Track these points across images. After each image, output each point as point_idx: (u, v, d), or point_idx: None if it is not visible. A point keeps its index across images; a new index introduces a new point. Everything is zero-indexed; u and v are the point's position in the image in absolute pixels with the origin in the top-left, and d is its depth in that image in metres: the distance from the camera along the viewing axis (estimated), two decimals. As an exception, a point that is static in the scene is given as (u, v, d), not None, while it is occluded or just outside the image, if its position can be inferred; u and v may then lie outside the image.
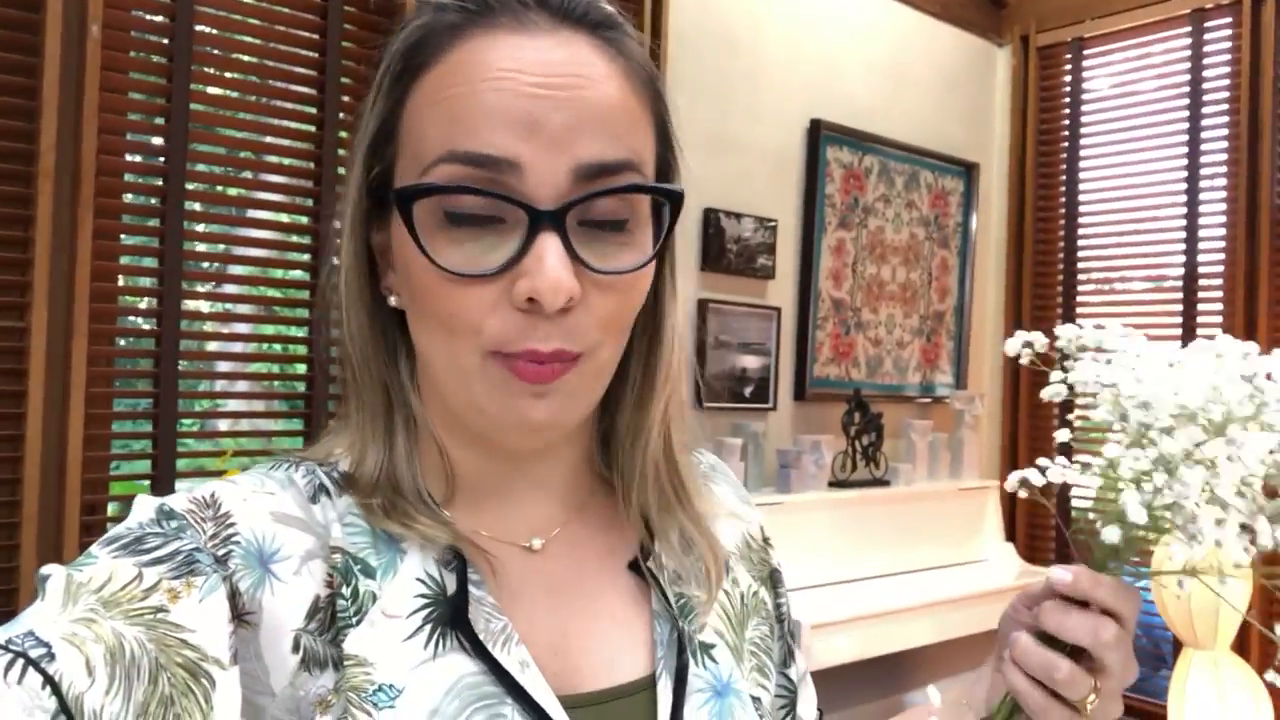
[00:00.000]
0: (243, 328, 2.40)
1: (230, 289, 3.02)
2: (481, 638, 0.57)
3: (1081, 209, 3.67)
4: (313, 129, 2.32)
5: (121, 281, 2.11)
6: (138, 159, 2.21)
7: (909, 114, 3.55)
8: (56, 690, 0.41)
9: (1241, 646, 2.94)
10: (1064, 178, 3.71)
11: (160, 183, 2.12)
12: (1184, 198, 3.38)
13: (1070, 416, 0.64)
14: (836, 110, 3.29)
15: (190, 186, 2.16)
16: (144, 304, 2.20)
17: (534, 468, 0.64)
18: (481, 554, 0.60)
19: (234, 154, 2.32)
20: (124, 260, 2.11)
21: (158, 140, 2.16)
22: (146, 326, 2.24)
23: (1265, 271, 3.15)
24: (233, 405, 4.13)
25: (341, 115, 2.31)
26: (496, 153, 0.53)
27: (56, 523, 1.93)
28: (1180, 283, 3.39)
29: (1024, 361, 0.65)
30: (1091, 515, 0.60)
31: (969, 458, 3.51)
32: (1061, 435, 0.64)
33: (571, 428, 0.60)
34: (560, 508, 0.65)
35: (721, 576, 0.67)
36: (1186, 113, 3.39)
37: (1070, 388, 0.62)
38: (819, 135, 3.22)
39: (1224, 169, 3.29)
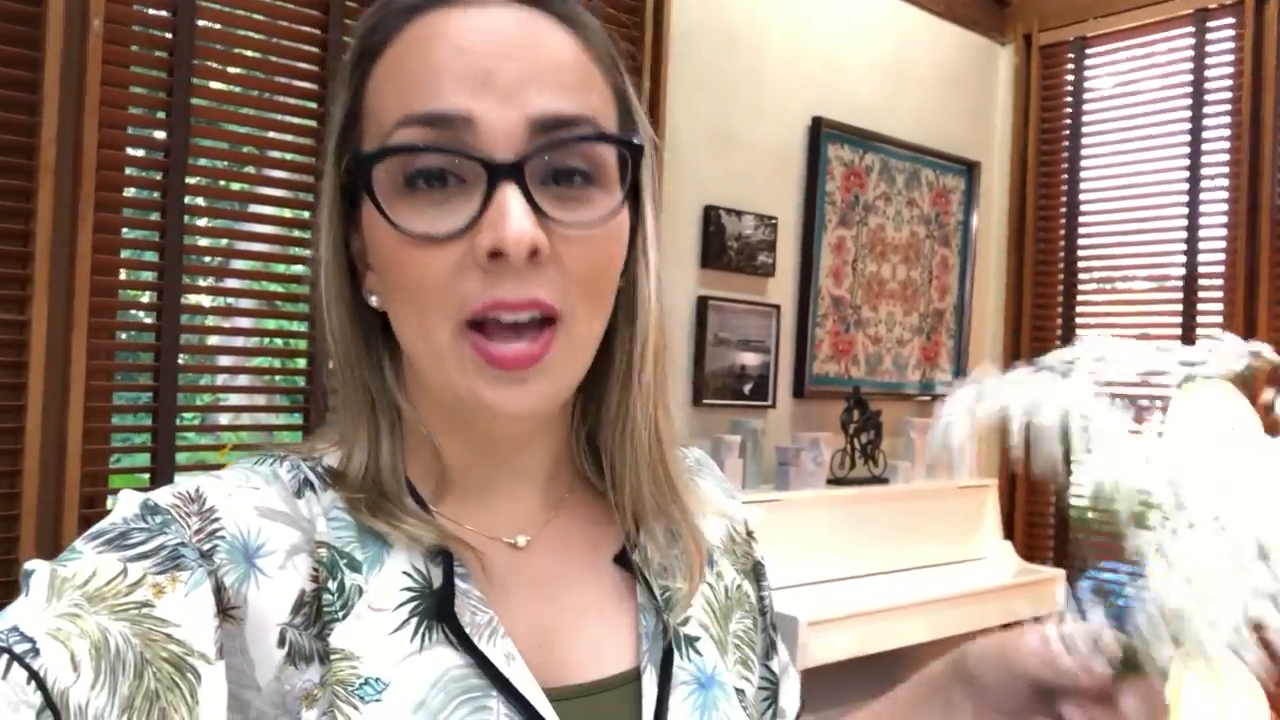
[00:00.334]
0: (244, 322, 2.40)
1: (232, 283, 3.03)
2: (467, 630, 0.57)
3: (1083, 208, 3.67)
4: (315, 124, 2.32)
5: (122, 275, 2.12)
6: (140, 153, 2.22)
7: (910, 112, 3.55)
8: (41, 685, 0.42)
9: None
10: (1065, 176, 3.70)
11: (161, 177, 2.12)
12: (1185, 197, 3.38)
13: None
14: (838, 108, 3.29)
15: (192, 181, 2.16)
16: (145, 298, 2.20)
17: (516, 457, 0.63)
18: (468, 549, 0.60)
19: (236, 149, 2.32)
20: (125, 254, 2.12)
21: (160, 135, 2.17)
22: (147, 320, 2.25)
23: (1266, 271, 3.14)
24: (233, 399, 4.13)
25: (342, 111, 2.31)
26: (450, 109, 0.53)
27: (55, 515, 1.94)
28: (1181, 282, 3.39)
29: None
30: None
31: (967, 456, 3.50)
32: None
33: (554, 410, 0.60)
34: (543, 503, 0.65)
35: (703, 569, 0.67)
36: (1188, 112, 3.39)
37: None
38: (820, 133, 3.22)
39: (1226, 169, 3.29)
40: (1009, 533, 3.57)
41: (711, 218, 2.96)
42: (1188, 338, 3.25)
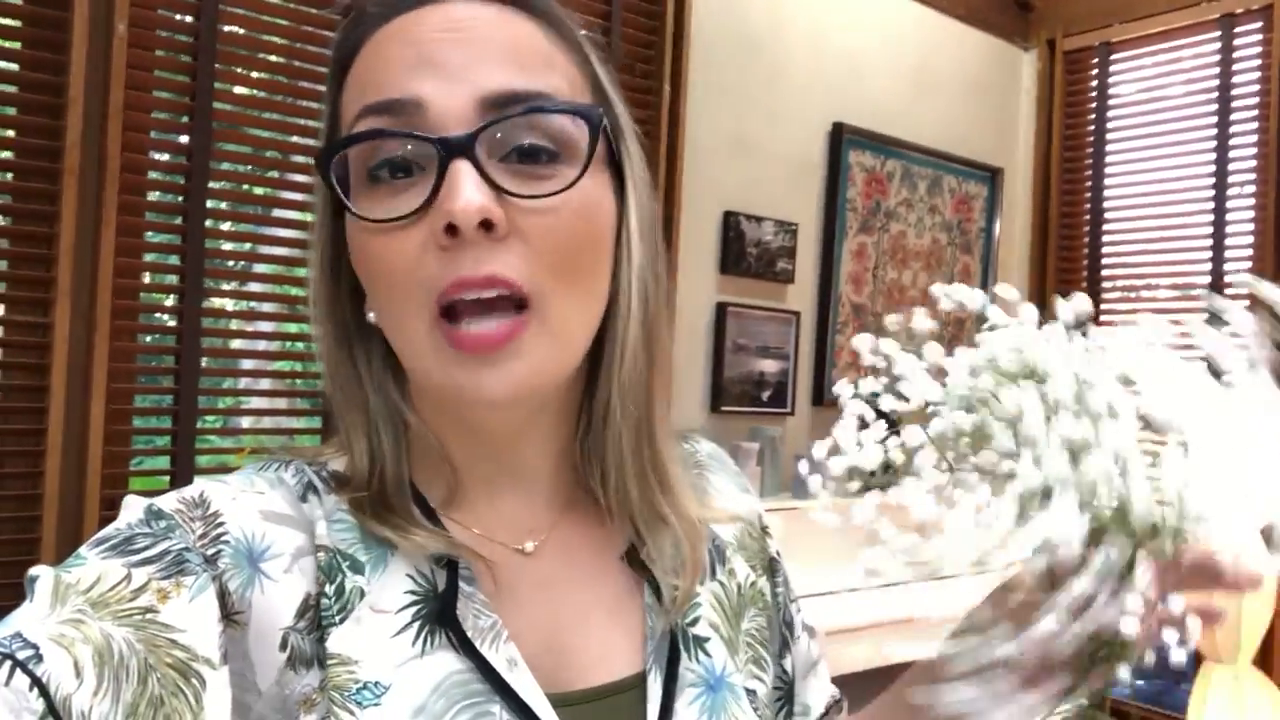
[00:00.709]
0: (266, 326, 2.41)
1: (254, 287, 3.05)
2: (470, 635, 0.56)
3: (1107, 215, 3.63)
4: (335, 129, 2.33)
5: (145, 279, 2.13)
6: (164, 157, 2.23)
7: (933, 118, 3.53)
8: (44, 692, 0.41)
9: (1264, 661, 2.90)
10: (1089, 183, 3.67)
11: (184, 181, 2.14)
12: (1211, 205, 3.34)
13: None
14: (859, 113, 3.28)
15: (214, 185, 2.18)
16: (168, 301, 2.22)
17: (516, 455, 0.63)
18: (474, 554, 0.59)
19: (259, 153, 2.33)
20: (148, 258, 2.13)
21: (183, 139, 2.19)
22: (170, 323, 2.26)
23: (1293, 281, 3.10)
24: (255, 403, 4.16)
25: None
26: (400, 95, 0.54)
27: (77, 517, 1.96)
28: (1206, 291, 3.35)
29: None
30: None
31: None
32: None
33: (535, 398, 0.57)
34: (547, 508, 0.65)
35: (699, 566, 0.66)
36: (1215, 119, 3.35)
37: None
38: (841, 138, 3.20)
39: (1253, 176, 3.25)
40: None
41: (731, 224, 2.95)
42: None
